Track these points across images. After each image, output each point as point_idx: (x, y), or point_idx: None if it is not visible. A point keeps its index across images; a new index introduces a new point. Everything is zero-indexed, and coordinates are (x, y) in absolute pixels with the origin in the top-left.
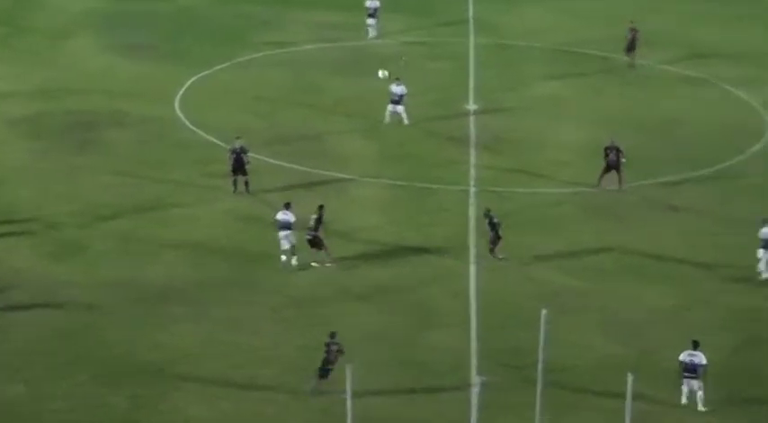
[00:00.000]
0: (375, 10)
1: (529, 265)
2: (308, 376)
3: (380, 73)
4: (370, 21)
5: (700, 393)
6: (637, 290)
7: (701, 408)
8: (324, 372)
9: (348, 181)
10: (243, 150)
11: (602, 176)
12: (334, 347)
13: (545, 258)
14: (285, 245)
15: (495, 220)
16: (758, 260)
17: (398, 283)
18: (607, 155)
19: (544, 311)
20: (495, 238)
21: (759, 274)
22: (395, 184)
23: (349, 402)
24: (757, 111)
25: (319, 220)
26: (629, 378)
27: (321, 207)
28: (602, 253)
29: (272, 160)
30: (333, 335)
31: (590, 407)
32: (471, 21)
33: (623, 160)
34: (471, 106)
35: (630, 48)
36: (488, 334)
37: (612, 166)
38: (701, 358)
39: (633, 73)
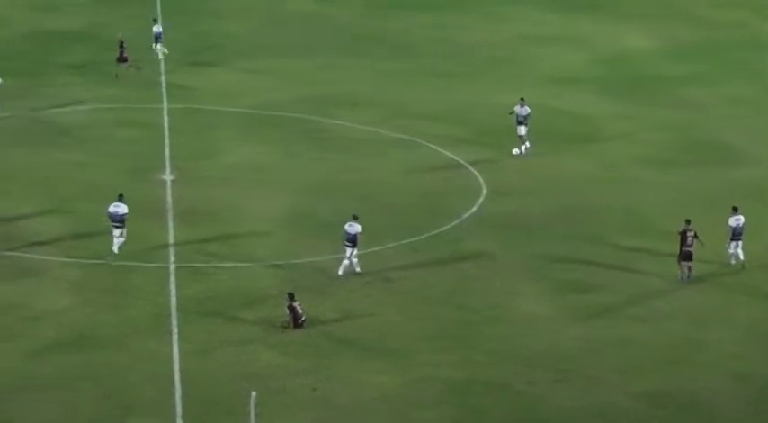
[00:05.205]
0: None
1: (235, 344)
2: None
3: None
4: None
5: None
6: (352, 366)
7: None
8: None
9: (35, 261)
10: None
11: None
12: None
13: (252, 336)
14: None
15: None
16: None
17: (93, 371)
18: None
19: (254, 393)
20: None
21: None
22: (88, 262)
23: None
24: (470, 171)
25: None
26: None
27: None
28: (320, 329)
29: None
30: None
31: None
32: (164, 85)
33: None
34: (167, 176)
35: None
36: (194, 421)
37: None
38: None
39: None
